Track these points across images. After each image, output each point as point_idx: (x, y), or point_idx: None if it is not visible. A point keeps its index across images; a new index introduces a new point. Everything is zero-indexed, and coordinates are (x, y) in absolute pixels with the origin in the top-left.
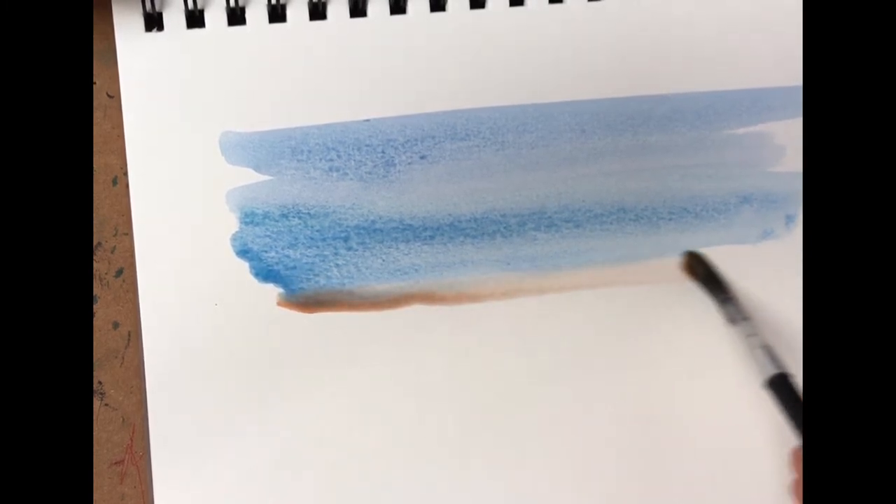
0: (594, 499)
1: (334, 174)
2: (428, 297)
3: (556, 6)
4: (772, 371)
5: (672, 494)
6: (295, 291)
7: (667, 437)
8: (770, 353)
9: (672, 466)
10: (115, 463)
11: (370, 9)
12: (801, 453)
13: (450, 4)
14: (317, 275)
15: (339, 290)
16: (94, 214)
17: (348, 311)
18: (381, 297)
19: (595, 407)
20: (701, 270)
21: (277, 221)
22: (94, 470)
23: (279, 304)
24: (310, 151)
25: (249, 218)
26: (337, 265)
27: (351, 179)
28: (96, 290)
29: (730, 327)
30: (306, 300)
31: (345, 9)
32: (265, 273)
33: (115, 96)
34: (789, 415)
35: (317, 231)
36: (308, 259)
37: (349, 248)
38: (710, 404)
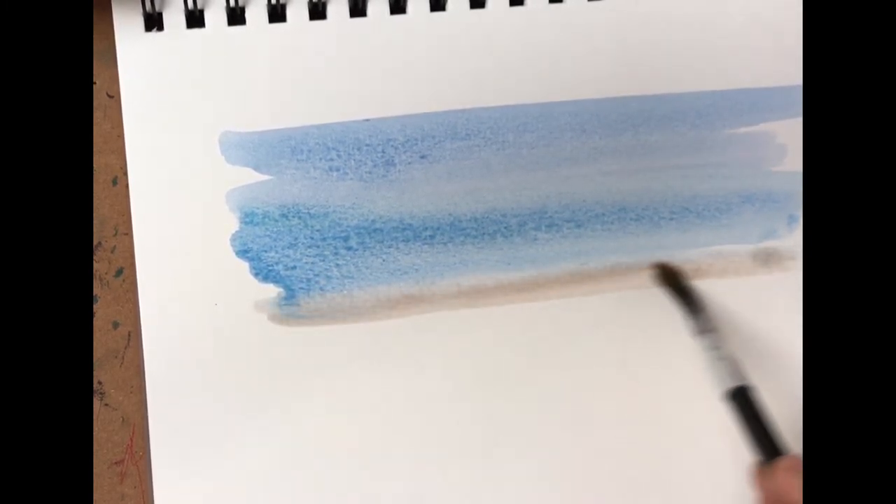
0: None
1: (334, 174)
2: (428, 300)
3: (556, 6)
4: (732, 384)
5: (673, 495)
6: (296, 302)
7: (669, 438)
8: (732, 367)
9: (673, 470)
10: (115, 463)
11: (370, 9)
12: (760, 469)
13: (450, 4)
14: (317, 274)
15: (340, 294)
16: (94, 214)
17: (351, 323)
18: (381, 302)
19: (596, 408)
20: (671, 281)
21: (277, 221)
22: (94, 470)
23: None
24: (310, 151)
25: (249, 218)
26: (337, 265)
27: (351, 179)
28: (96, 290)
29: (696, 338)
30: (309, 314)
31: (345, 9)
32: (265, 273)
33: (115, 96)
34: (747, 429)
35: (317, 231)
36: (308, 259)
37: (349, 248)
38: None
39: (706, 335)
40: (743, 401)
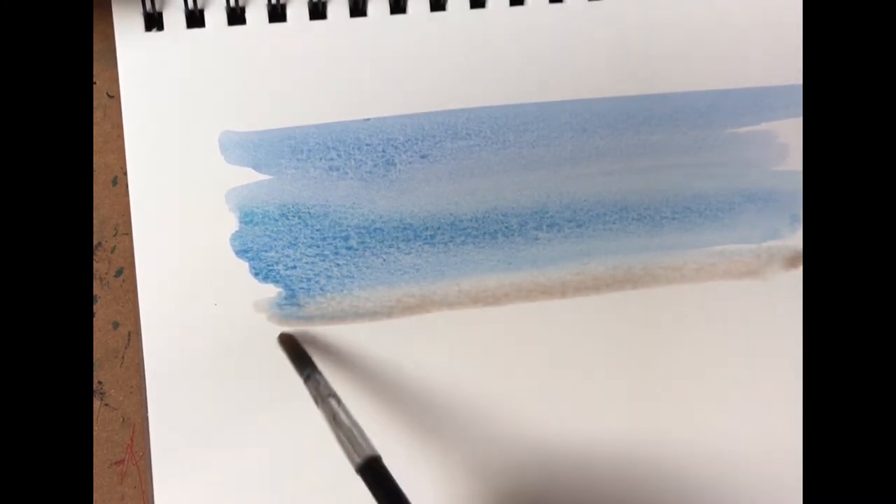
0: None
1: (334, 174)
2: (428, 300)
3: (557, 6)
4: (364, 454)
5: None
6: (296, 302)
7: (670, 439)
8: (358, 436)
9: (673, 471)
10: (115, 463)
11: (370, 9)
12: None
13: (450, 4)
14: (317, 274)
15: (340, 294)
16: (94, 214)
17: (351, 323)
18: (381, 302)
19: (597, 407)
20: (288, 347)
21: (277, 221)
22: (94, 470)
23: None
24: (310, 151)
25: (249, 217)
26: (337, 265)
27: (351, 179)
28: (96, 290)
29: (318, 406)
30: (309, 314)
31: (345, 9)
32: (265, 273)
33: (115, 96)
34: (385, 500)
35: (317, 231)
36: (308, 259)
37: (349, 248)
38: (713, 405)
39: (328, 400)
40: (376, 472)
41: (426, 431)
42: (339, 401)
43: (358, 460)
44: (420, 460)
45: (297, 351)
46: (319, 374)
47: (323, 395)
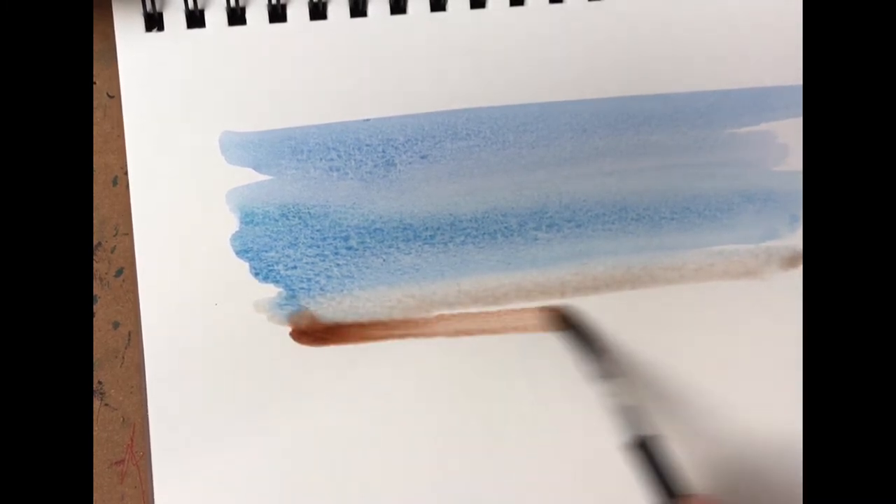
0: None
1: (334, 174)
2: (428, 300)
3: (556, 6)
4: (635, 433)
5: None
6: (296, 302)
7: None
8: (636, 415)
9: None
10: (115, 463)
11: (370, 9)
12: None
13: (450, 4)
14: (317, 274)
15: (340, 294)
16: (94, 214)
17: (358, 343)
18: (381, 302)
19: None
20: (568, 324)
21: (277, 221)
22: (94, 470)
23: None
24: (310, 151)
25: (249, 218)
26: (337, 265)
27: (351, 179)
28: (96, 290)
29: (598, 383)
30: (324, 329)
31: (345, 9)
32: (265, 273)
33: (115, 96)
34: (650, 478)
35: (317, 231)
36: (308, 259)
37: (349, 248)
38: (713, 405)
39: (609, 381)
40: (646, 451)
41: (426, 429)
42: (623, 381)
43: (635, 434)
44: (421, 458)
45: (577, 327)
46: (604, 350)
47: (606, 375)
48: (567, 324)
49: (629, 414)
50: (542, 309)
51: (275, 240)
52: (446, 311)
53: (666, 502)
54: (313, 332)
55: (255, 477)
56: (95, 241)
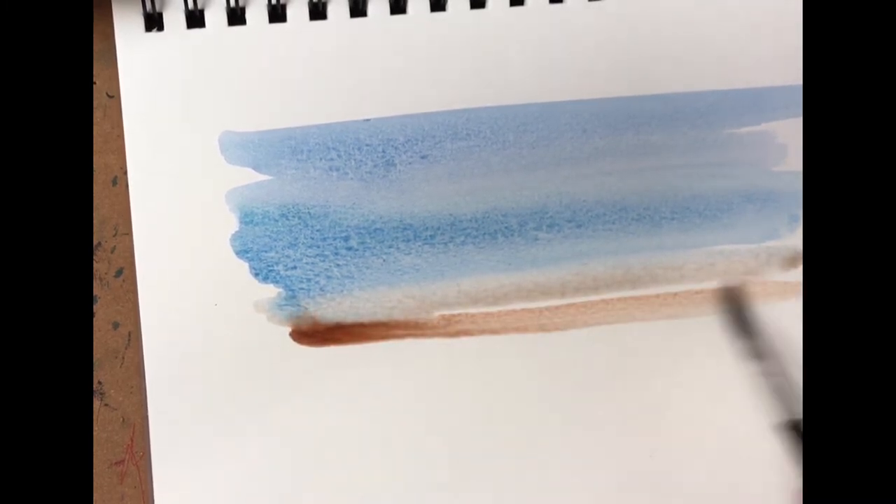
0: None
1: (334, 174)
2: (428, 300)
3: (556, 6)
4: (788, 415)
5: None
6: (296, 302)
7: (668, 433)
8: (788, 396)
9: (672, 467)
10: (115, 463)
11: (370, 9)
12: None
13: (450, 4)
14: (317, 274)
15: (340, 294)
16: (94, 214)
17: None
18: (381, 302)
19: (596, 407)
20: (733, 303)
21: (277, 221)
22: (94, 470)
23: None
24: (310, 151)
25: (249, 218)
26: (337, 265)
27: (351, 179)
28: (96, 290)
29: (748, 363)
30: (324, 329)
31: (345, 9)
32: (265, 273)
33: (115, 96)
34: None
35: (317, 231)
36: (308, 259)
37: (349, 248)
38: (713, 405)
39: (760, 361)
40: (797, 433)
41: (426, 428)
42: (775, 361)
43: (788, 417)
44: (421, 457)
45: (739, 307)
46: (757, 331)
47: (757, 355)
48: (727, 301)
49: (780, 395)
50: (718, 287)
51: (274, 240)
52: (446, 312)
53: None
54: (313, 333)
55: (255, 477)
56: (95, 241)
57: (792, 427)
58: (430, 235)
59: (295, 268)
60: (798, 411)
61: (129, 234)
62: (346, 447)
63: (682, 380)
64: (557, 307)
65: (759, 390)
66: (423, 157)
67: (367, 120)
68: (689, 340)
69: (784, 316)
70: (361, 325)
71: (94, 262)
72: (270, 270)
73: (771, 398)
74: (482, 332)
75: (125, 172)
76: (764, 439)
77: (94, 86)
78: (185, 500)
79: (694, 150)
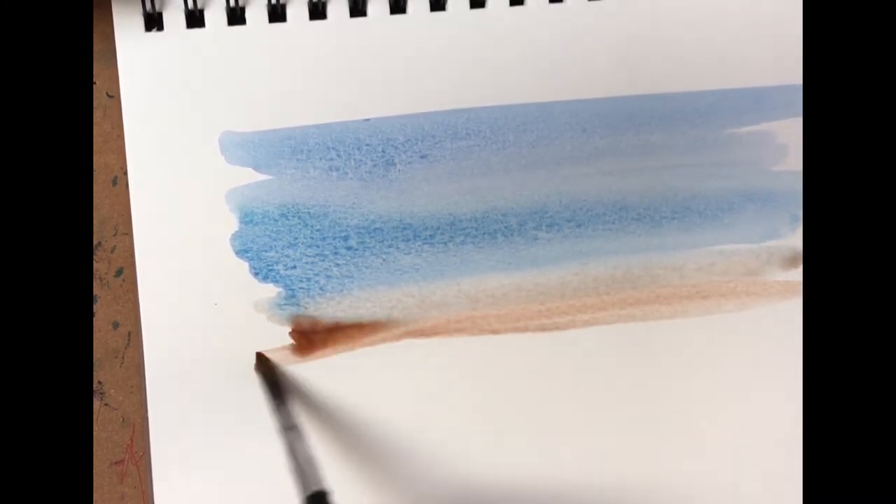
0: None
1: (334, 174)
2: (428, 300)
3: (556, 6)
4: (312, 488)
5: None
6: (296, 302)
7: (669, 431)
8: (313, 468)
9: (671, 464)
10: (115, 463)
11: (370, 9)
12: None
13: (450, 4)
14: (317, 274)
15: (340, 294)
16: (94, 214)
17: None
18: (381, 302)
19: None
20: (263, 370)
21: (277, 221)
22: (94, 470)
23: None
24: (310, 151)
25: (249, 217)
26: (337, 265)
27: (351, 179)
28: (96, 290)
29: (280, 435)
30: (309, 314)
31: (345, 9)
32: (265, 273)
33: (115, 96)
34: None
35: (317, 231)
36: (308, 259)
37: (349, 248)
38: (712, 404)
39: (289, 432)
40: None
41: (426, 427)
42: (299, 433)
43: (304, 494)
44: (421, 456)
45: (271, 376)
46: (288, 403)
47: (284, 427)
48: (260, 368)
49: (308, 468)
50: (258, 354)
51: (274, 240)
52: (446, 311)
53: None
54: (313, 333)
55: (255, 477)
56: (95, 241)
57: (316, 499)
58: (430, 235)
59: (295, 267)
60: (321, 484)
61: (129, 234)
62: (345, 447)
63: (683, 380)
64: (557, 307)
65: (289, 463)
66: (422, 157)
67: (367, 120)
68: (689, 340)
69: (784, 316)
70: (361, 325)
71: (94, 262)
72: (270, 270)
73: (296, 471)
74: (482, 332)
75: (125, 172)
76: (765, 439)
77: (94, 86)
78: (185, 500)
79: (694, 150)
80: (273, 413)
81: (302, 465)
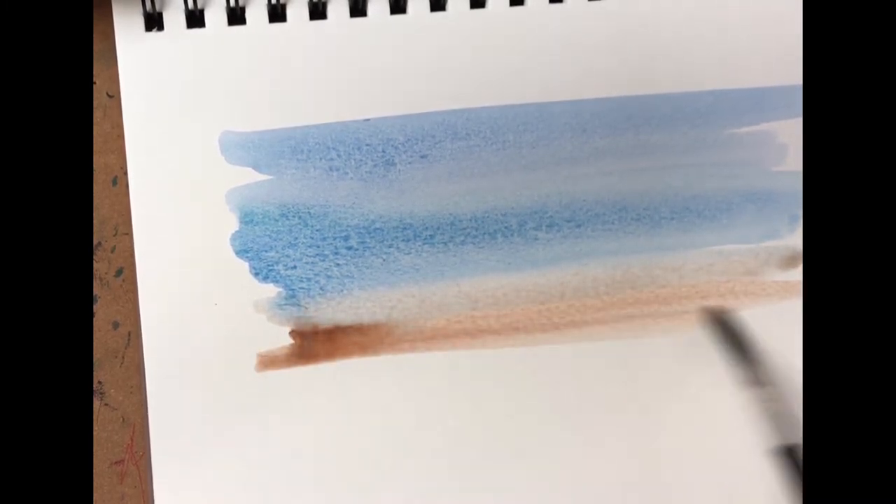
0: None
1: (334, 174)
2: (427, 300)
3: (556, 6)
4: (781, 441)
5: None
6: (296, 302)
7: (671, 438)
8: (782, 422)
9: (671, 462)
10: (115, 463)
11: (370, 9)
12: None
13: (450, 4)
14: (317, 274)
15: (340, 294)
16: (94, 214)
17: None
18: (381, 302)
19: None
20: (722, 327)
21: (277, 221)
22: (94, 470)
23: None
24: (310, 151)
25: (249, 217)
26: (337, 265)
27: (351, 179)
28: (96, 290)
29: (746, 390)
30: (309, 314)
31: (345, 9)
32: (265, 273)
33: (115, 96)
34: (793, 487)
35: (317, 231)
36: (308, 259)
37: (349, 248)
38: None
39: (759, 388)
40: (793, 459)
41: (426, 428)
42: (774, 389)
43: (780, 442)
44: (421, 457)
45: (731, 331)
46: (750, 358)
47: (757, 382)
48: (724, 328)
49: (777, 421)
50: (705, 309)
51: (274, 240)
52: (446, 312)
53: None
54: (313, 333)
55: (254, 477)
56: (95, 241)
57: (787, 453)
58: (430, 235)
59: (295, 267)
60: (795, 437)
61: (129, 234)
62: (345, 447)
63: (683, 380)
64: (557, 307)
65: (757, 415)
66: (422, 157)
67: (367, 120)
68: (689, 340)
69: (784, 316)
70: (361, 326)
71: (94, 262)
72: (270, 270)
73: (768, 423)
74: (481, 331)
75: (125, 172)
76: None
77: (94, 86)
78: (185, 500)
79: (694, 150)
80: (742, 370)
81: (776, 419)
